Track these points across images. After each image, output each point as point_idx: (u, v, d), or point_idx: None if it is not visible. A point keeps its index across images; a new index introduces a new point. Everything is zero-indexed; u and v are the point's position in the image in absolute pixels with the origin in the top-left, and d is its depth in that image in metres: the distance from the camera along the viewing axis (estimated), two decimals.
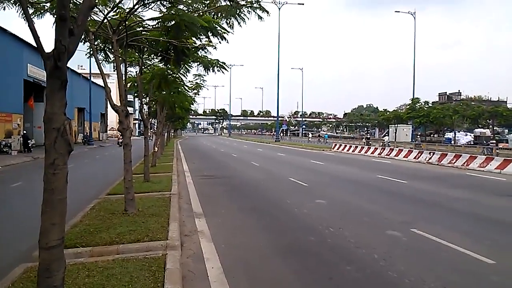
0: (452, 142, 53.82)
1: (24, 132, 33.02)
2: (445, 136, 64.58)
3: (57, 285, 3.51)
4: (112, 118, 71.68)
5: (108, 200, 10.55)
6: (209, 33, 9.24)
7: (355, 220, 9.55)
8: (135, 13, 9.12)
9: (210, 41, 10.53)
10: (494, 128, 57.89)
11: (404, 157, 29.79)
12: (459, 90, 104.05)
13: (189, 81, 20.82)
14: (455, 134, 58.91)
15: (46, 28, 8.08)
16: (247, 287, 5.40)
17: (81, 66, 64.35)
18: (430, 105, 62.17)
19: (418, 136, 59.51)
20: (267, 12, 9.12)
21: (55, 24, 3.51)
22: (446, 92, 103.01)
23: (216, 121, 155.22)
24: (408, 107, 62.40)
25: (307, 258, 6.74)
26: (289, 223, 9.26)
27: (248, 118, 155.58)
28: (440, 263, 6.46)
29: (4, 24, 30.05)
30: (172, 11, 8.55)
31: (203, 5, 9.40)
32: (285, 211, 10.53)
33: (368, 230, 8.53)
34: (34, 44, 3.70)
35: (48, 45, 3.63)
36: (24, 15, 4.88)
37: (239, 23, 9.37)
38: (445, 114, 53.89)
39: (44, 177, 3.50)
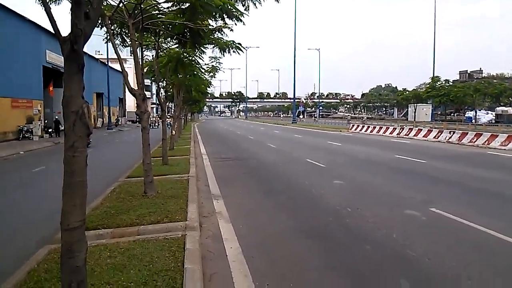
0: (473, 121, 52.76)
1: (56, 117, 33.93)
2: (465, 115, 63.28)
3: (79, 266, 3.59)
4: (130, 102, 72.39)
5: (128, 182, 10.72)
6: (224, 14, 9.15)
7: (374, 200, 9.51)
8: None
9: (226, 23, 10.44)
10: None
11: (423, 136, 29.39)
12: (480, 68, 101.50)
13: (205, 64, 20.78)
14: (476, 112, 57.65)
15: (63, 14, 8.13)
16: (265, 267, 5.45)
17: (99, 52, 64.83)
18: (451, 83, 60.81)
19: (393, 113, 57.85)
20: None
21: (71, 8, 3.52)
22: (467, 70, 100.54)
23: (233, 104, 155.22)
24: (428, 86, 61.15)
25: (325, 239, 6.76)
26: (307, 204, 9.26)
27: (265, 100, 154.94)
28: (460, 242, 6.41)
29: (21, 11, 30.37)
30: None
31: None
32: (302, 192, 10.54)
33: (387, 210, 8.48)
34: (52, 30, 3.72)
35: (65, 31, 3.66)
36: (40, 1, 4.92)
37: (254, 4, 9.26)
38: (466, 92, 52.68)
39: (64, 160, 3.56)
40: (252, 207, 9.03)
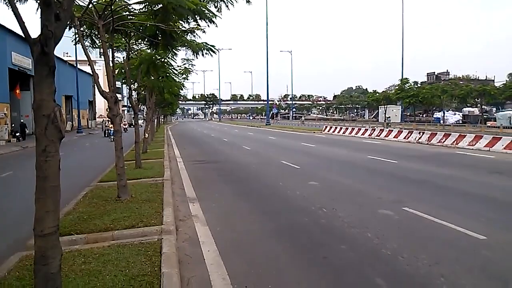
0: (441, 121, 54.21)
1: (22, 121, 33.32)
2: (434, 116, 64.95)
3: (53, 273, 3.50)
4: (101, 105, 70.96)
5: (101, 187, 10.51)
6: (196, 16, 9.10)
7: (348, 200, 9.63)
8: None
9: (198, 25, 10.39)
10: (483, 106, 58.33)
11: (394, 137, 30.01)
12: (447, 70, 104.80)
13: (178, 66, 20.64)
14: (444, 113, 59.28)
15: (31, 14, 7.90)
16: (243, 269, 5.44)
17: (67, 53, 63.34)
18: (419, 85, 62.35)
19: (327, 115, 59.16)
20: None
21: (40, 9, 3.43)
22: (434, 72, 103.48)
23: (206, 106, 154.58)
24: (397, 87, 62.47)
25: (301, 239, 6.80)
26: (283, 205, 9.31)
27: (238, 102, 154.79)
28: (432, 240, 6.57)
29: None
30: None
31: None
32: (278, 194, 10.58)
33: (361, 210, 8.61)
34: (18, 31, 3.63)
35: (34, 31, 3.56)
36: (6, 0, 4.77)
37: (227, 6, 9.26)
38: (434, 94, 54.04)
39: (36, 164, 3.47)
40: (228, 209, 9.01)
